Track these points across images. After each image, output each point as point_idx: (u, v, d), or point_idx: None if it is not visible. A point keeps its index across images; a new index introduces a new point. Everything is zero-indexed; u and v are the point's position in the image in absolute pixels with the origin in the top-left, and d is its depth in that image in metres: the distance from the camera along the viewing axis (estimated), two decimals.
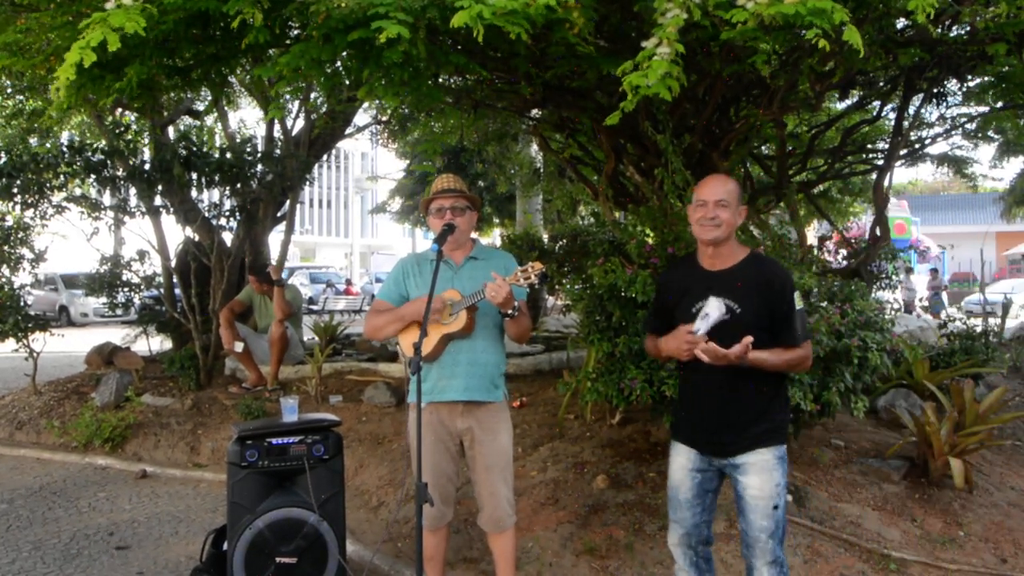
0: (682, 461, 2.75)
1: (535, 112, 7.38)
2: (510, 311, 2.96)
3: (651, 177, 5.49)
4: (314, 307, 19.74)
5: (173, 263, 8.11)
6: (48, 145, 7.21)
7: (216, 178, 7.34)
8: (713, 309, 2.54)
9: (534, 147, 11.11)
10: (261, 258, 8.72)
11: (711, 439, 2.69)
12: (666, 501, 3.99)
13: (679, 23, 2.69)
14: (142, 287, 8.13)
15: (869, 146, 8.55)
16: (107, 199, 7.70)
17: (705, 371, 2.59)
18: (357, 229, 50.68)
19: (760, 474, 2.62)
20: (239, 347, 6.99)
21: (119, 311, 8.33)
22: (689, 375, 2.73)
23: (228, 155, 7.51)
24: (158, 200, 7.56)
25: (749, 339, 2.48)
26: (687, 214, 2.78)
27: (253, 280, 7.33)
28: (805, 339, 2.66)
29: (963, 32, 5.35)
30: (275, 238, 9.75)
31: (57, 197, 7.17)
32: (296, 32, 4.02)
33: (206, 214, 7.69)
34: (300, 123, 9.37)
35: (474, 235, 3.39)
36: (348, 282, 29.07)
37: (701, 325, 2.54)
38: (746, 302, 2.60)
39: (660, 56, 2.70)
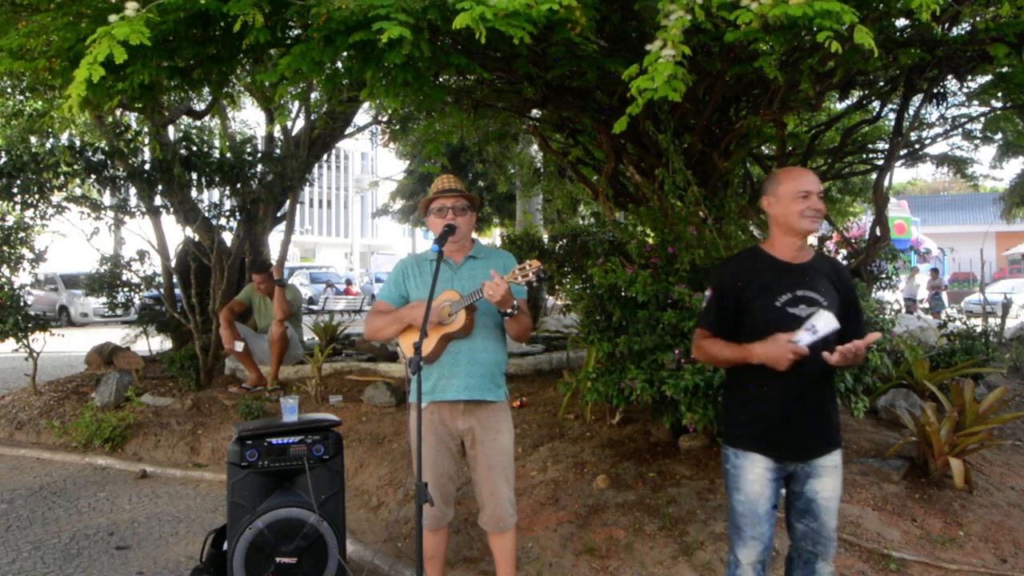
0: (760, 471, 2.58)
1: (535, 112, 7.38)
2: (509, 310, 2.96)
3: (651, 177, 5.49)
4: (314, 307, 19.74)
5: (173, 263, 8.12)
6: (49, 145, 7.20)
7: (216, 178, 7.35)
8: (823, 324, 2.39)
9: (534, 147, 11.11)
10: (261, 258, 8.73)
11: (797, 444, 2.58)
12: (665, 503, 4.02)
13: (684, 24, 2.69)
14: (142, 287, 8.14)
15: (869, 146, 8.56)
16: (107, 199, 7.71)
17: (787, 374, 2.46)
18: (357, 229, 50.71)
19: (833, 476, 2.60)
20: (239, 347, 6.99)
21: (119, 311, 8.35)
22: (763, 379, 2.54)
23: (228, 155, 7.52)
24: (158, 200, 7.57)
25: (877, 336, 2.44)
26: (772, 204, 2.62)
27: (257, 278, 7.31)
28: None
29: (963, 32, 5.35)
30: (275, 238, 9.76)
31: (57, 197, 7.17)
32: (296, 32, 4.02)
33: (206, 214, 7.70)
34: (300, 123, 9.38)
35: (474, 235, 3.39)
36: (348, 282, 29.05)
37: (806, 336, 2.39)
38: (828, 296, 2.55)
39: (665, 58, 2.70)
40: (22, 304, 7.17)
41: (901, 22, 5.16)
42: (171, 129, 9.60)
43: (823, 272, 2.61)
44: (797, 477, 2.62)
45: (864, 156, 8.67)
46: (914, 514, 3.97)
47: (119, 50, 2.65)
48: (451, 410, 3.10)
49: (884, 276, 6.80)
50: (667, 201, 4.75)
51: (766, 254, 2.65)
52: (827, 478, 2.59)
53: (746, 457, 2.60)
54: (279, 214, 9.33)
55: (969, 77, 6.42)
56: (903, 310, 9.04)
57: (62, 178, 6.99)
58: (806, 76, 4.61)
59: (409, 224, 25.93)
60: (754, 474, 2.58)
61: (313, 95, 8.47)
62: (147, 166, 7.41)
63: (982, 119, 7.75)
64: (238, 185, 7.56)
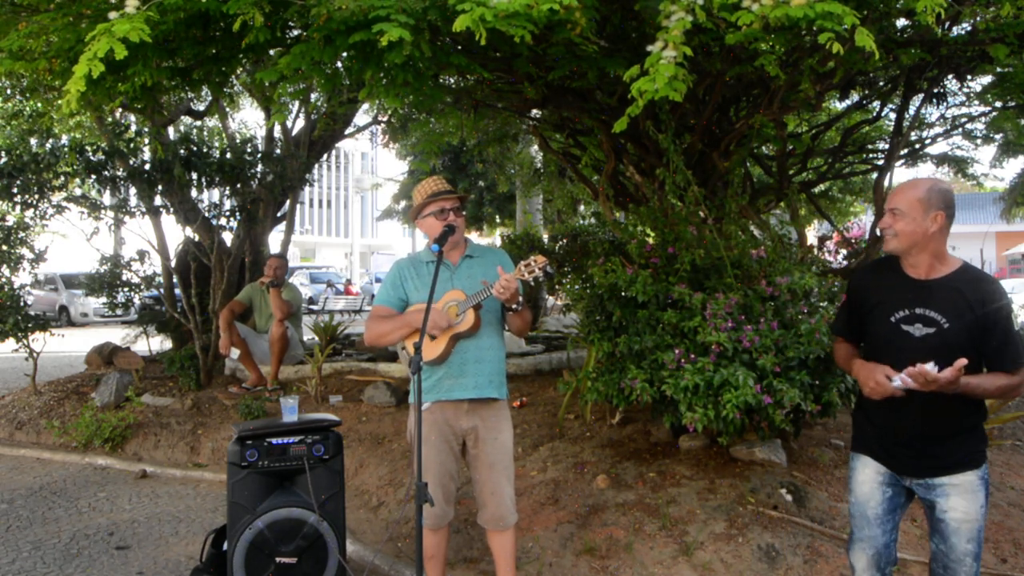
0: (870, 473, 2.55)
1: (535, 112, 7.38)
2: (515, 306, 2.99)
3: (651, 177, 5.49)
4: (314, 307, 19.75)
5: (173, 263, 8.12)
6: (49, 145, 7.22)
7: (216, 178, 7.35)
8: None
9: (534, 147, 11.12)
10: (261, 258, 8.73)
11: (909, 460, 2.48)
12: (665, 503, 4.01)
13: (685, 26, 2.69)
14: (142, 287, 8.15)
15: (869, 146, 8.55)
16: (107, 199, 7.71)
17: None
18: (357, 229, 50.73)
19: (964, 495, 2.42)
20: (234, 354, 6.98)
21: (119, 311, 8.35)
22: None
23: (228, 155, 7.52)
24: (158, 200, 7.57)
25: (963, 361, 2.18)
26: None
27: (273, 261, 7.29)
28: (1022, 364, 2.36)
29: (963, 32, 5.35)
30: (275, 238, 9.76)
31: (57, 197, 7.18)
32: (297, 32, 4.02)
33: (206, 214, 7.70)
34: (300, 123, 9.39)
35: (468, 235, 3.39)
36: (348, 282, 29.08)
37: (904, 379, 2.27)
38: (955, 318, 2.33)
39: (666, 59, 2.70)
40: (22, 304, 7.17)
41: (901, 22, 5.16)
42: (171, 129, 9.61)
43: (957, 288, 2.37)
44: (921, 491, 2.51)
45: (864, 156, 8.67)
46: (913, 514, 3.97)
47: (119, 47, 2.66)
48: (455, 409, 3.10)
49: None
50: (667, 201, 4.74)
51: (897, 265, 2.48)
52: (956, 498, 2.42)
53: (858, 459, 2.62)
54: (279, 214, 9.34)
55: (969, 77, 6.42)
56: None
57: (62, 178, 6.99)
58: (806, 76, 4.61)
59: (409, 224, 25.93)
60: (864, 475, 2.58)
61: (313, 96, 8.48)
62: (147, 166, 7.42)
63: (983, 119, 7.75)
64: (238, 185, 7.56)
